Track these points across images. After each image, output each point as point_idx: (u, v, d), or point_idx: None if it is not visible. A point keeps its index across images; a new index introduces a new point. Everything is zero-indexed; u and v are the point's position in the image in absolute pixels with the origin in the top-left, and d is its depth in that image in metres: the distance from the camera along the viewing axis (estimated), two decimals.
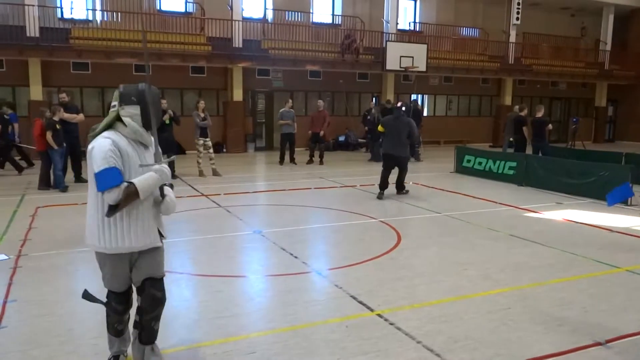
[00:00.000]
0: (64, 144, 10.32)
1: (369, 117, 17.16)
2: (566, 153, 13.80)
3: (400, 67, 18.82)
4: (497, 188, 11.15)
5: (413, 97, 21.44)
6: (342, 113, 20.22)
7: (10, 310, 4.42)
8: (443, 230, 7.41)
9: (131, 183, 2.93)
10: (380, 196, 9.60)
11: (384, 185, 9.68)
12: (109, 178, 2.88)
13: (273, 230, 7.25)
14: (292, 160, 14.92)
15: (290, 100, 15.29)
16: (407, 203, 9.20)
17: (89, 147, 3.02)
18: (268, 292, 4.98)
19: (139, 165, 3.02)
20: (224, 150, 18.52)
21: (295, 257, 5.98)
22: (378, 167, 15.12)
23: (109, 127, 3.07)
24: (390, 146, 9.50)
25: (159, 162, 3.07)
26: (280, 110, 14.95)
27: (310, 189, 10.84)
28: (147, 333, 3.20)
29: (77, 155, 11.04)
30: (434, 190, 10.76)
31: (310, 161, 15.43)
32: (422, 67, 19.15)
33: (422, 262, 5.93)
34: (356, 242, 6.73)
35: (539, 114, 12.92)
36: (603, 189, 8.10)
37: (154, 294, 3.14)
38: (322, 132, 15.19)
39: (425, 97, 22.48)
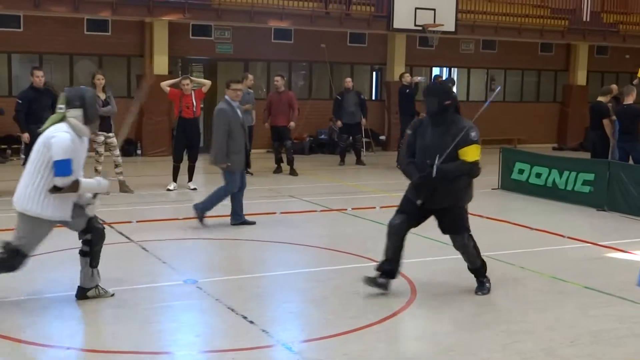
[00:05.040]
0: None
1: (407, 90, 16.79)
2: None
3: (416, 26, 19.00)
4: (566, 213, 11.25)
5: (436, 71, 21.66)
6: (324, 96, 20.28)
7: None
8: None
9: (78, 179, 5.99)
10: (383, 285, 6.82)
11: (396, 259, 6.89)
12: (66, 168, 5.88)
13: (215, 280, 7.20)
14: (247, 166, 14.91)
15: (250, 76, 15.31)
16: (427, 237, 9.22)
17: (48, 136, 5.98)
18: None
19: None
20: (138, 152, 18.38)
21: (251, 321, 5.93)
22: (380, 181, 15.24)
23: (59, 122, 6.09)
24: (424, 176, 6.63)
25: (105, 177, 6.57)
26: None
27: (274, 213, 10.81)
28: (96, 259, 6.32)
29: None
30: (469, 216, 10.81)
31: (277, 170, 15.41)
32: (449, 25, 19.34)
33: (447, 330, 5.92)
34: (346, 299, 6.70)
35: (629, 100, 13.08)
36: None
37: (98, 227, 6.35)
38: (291, 124, 15.21)
39: (454, 71, 22.71)
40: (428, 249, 8.57)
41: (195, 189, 12.85)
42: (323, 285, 7.14)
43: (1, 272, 6.15)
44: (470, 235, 6.86)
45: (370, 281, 6.72)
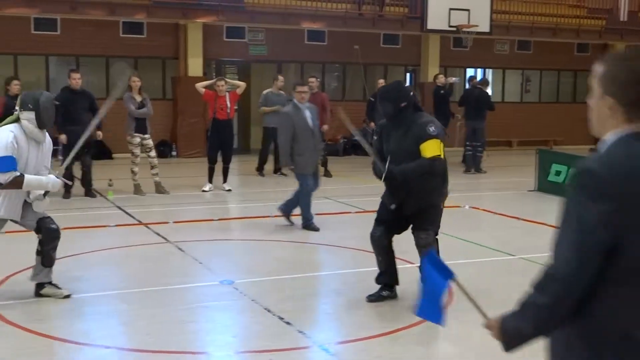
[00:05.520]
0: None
1: (442, 91, 16.85)
2: None
3: (450, 26, 18.92)
4: None
5: (470, 72, 21.54)
6: (358, 97, 20.27)
7: None
8: (520, 282, 7.35)
9: (22, 175, 5.98)
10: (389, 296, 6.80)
11: (389, 268, 6.88)
12: (4, 164, 5.91)
13: (251, 280, 7.24)
14: (279, 169, 14.93)
15: (280, 77, 15.33)
16: (462, 239, 9.18)
17: None
18: None
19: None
20: (174, 153, 18.54)
21: (287, 322, 5.96)
22: None
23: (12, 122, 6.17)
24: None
25: (58, 177, 6.36)
26: (265, 92, 14.99)
27: None
28: (48, 259, 6.34)
29: None
30: (504, 218, 10.74)
31: None
32: (484, 26, 19.24)
33: (483, 332, 5.87)
34: (382, 301, 6.68)
35: None
36: None
37: (50, 227, 6.33)
38: (324, 127, 15.18)
39: (489, 72, 22.57)
40: (463, 250, 8.52)
41: (230, 190, 12.91)
42: (359, 287, 7.12)
43: None
44: (437, 239, 6.65)
45: (375, 298, 6.66)
